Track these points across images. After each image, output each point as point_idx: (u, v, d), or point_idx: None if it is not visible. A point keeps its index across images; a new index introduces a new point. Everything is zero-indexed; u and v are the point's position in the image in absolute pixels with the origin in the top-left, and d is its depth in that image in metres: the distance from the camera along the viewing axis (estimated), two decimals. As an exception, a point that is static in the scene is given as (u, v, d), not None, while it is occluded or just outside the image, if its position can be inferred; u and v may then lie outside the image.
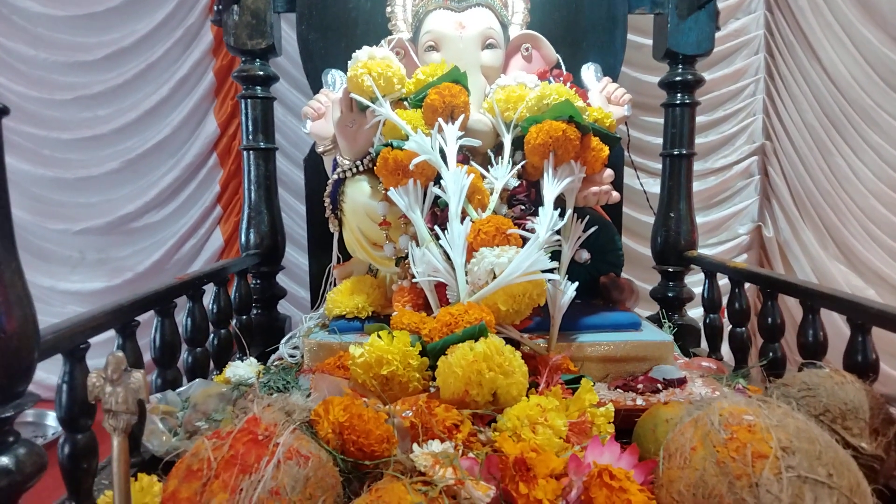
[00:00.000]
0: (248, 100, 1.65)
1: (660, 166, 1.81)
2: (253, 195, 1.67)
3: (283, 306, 1.80)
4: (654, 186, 1.94)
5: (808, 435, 0.69)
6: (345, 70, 1.44)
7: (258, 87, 1.65)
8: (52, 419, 2.30)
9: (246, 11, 1.60)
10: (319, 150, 1.35)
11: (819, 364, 1.01)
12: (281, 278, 1.77)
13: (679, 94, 1.67)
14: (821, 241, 2.47)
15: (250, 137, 1.66)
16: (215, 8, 1.62)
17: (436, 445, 0.73)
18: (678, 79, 1.66)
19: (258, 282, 1.68)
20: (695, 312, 1.90)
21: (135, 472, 0.95)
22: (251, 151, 1.66)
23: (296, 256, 2.40)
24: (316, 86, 1.61)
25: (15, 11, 2.40)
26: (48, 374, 2.55)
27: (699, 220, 2.51)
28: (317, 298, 1.65)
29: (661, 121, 1.76)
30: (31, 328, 0.68)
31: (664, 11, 1.67)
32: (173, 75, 2.48)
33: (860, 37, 2.33)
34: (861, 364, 1.03)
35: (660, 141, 1.80)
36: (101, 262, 2.59)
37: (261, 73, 1.64)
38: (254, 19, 1.60)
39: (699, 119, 2.27)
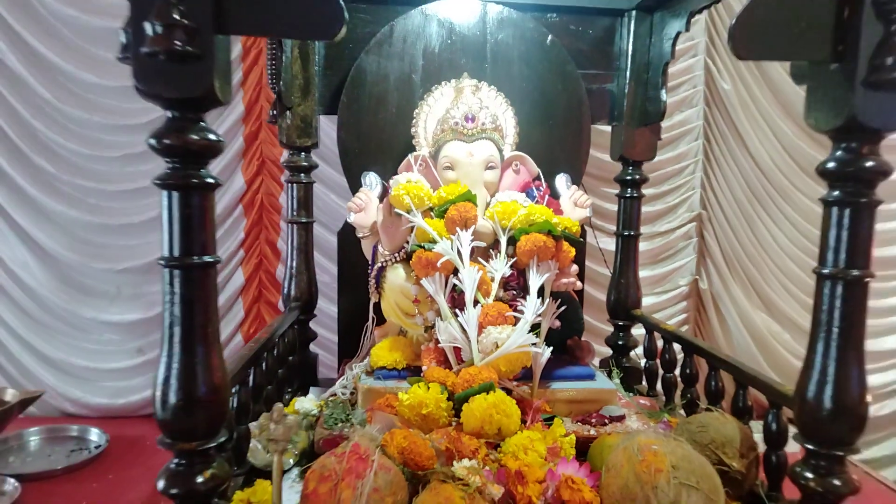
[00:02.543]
0: (294, 184, 2.08)
1: (613, 227, 2.25)
2: (295, 259, 2.10)
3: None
4: (609, 244, 2.43)
5: (688, 458, 1.15)
6: (378, 171, 1.90)
7: (302, 175, 2.08)
8: (94, 434, 2.64)
9: (297, 116, 2.03)
10: (359, 235, 1.80)
11: (714, 409, 1.49)
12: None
13: (629, 190, 2.16)
14: (746, 294, 2.99)
15: (294, 213, 2.09)
16: (271, 112, 2.05)
17: (466, 462, 1.18)
18: (629, 178, 2.14)
19: (296, 328, 2.11)
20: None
21: (246, 480, 1.38)
22: (294, 224, 2.09)
23: (321, 304, 2.78)
24: (352, 178, 2.03)
25: (73, 82, 2.79)
26: (94, 396, 2.94)
27: (648, 273, 3.02)
28: (345, 341, 2.09)
29: (614, 190, 2.22)
30: (227, 383, 1.10)
31: (619, 124, 2.17)
32: (207, 139, 2.89)
33: (779, 129, 2.87)
34: (741, 409, 1.51)
35: (614, 206, 2.27)
36: (135, 297, 2.97)
37: (305, 164, 2.06)
38: (302, 123, 2.03)
39: (650, 191, 2.78)
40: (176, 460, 1.08)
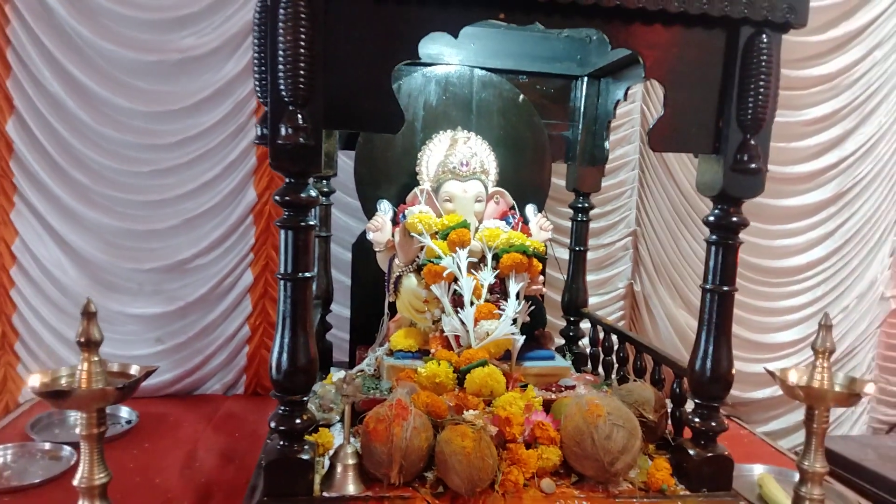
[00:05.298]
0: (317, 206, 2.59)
1: (566, 239, 2.85)
2: (316, 266, 2.62)
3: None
4: (564, 253, 3.03)
5: (618, 408, 1.73)
6: (386, 197, 2.43)
7: (323, 198, 2.60)
8: (124, 412, 3.06)
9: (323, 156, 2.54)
10: (376, 249, 2.33)
11: (638, 380, 2.09)
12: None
13: (580, 215, 2.76)
14: (670, 295, 3.65)
15: (316, 229, 2.60)
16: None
17: (472, 412, 1.75)
18: (579, 206, 2.74)
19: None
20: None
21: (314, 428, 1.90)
22: (316, 238, 2.61)
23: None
24: (365, 202, 2.55)
25: (107, 106, 3.19)
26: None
27: (593, 277, 3.63)
28: (356, 331, 2.61)
29: (569, 210, 2.81)
30: (317, 356, 1.62)
31: (573, 163, 2.76)
32: (225, 158, 3.33)
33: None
34: (657, 380, 2.12)
35: (568, 224, 2.87)
36: (156, 293, 3.40)
37: (326, 189, 2.59)
38: (327, 158, 2.55)
39: (595, 211, 3.38)
40: (282, 408, 1.60)
